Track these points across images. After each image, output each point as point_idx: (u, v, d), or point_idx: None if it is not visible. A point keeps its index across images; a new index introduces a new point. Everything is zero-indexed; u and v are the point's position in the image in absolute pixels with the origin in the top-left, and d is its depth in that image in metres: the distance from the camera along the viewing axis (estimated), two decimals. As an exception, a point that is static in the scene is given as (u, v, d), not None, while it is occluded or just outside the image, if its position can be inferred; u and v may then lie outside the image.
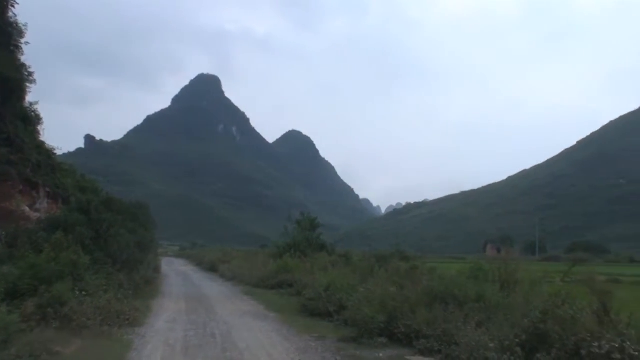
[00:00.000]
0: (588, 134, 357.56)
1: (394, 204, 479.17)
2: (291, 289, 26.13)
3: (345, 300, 16.27)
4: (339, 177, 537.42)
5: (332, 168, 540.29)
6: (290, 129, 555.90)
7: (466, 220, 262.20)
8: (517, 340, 9.45)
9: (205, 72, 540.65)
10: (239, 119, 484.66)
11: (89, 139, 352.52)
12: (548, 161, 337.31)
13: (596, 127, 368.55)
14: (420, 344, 11.74)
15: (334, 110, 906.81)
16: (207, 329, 15.08)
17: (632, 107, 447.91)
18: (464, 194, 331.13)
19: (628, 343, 8.23)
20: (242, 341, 13.14)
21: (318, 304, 18.35)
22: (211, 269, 51.11)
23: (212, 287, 31.80)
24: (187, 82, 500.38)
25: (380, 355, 11.72)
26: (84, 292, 14.36)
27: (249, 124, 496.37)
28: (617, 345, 8.17)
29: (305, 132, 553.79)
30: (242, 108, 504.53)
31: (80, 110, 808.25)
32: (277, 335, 14.16)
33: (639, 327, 9.22)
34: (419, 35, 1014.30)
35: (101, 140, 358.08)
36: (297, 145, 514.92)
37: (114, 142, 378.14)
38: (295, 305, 20.43)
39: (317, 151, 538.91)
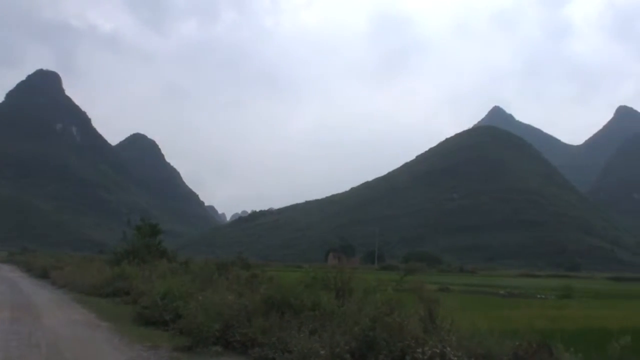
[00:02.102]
0: (426, 149, 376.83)
1: (240, 211, 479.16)
2: (127, 297, 25.35)
3: (182, 308, 15.92)
4: (184, 183, 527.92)
5: (178, 173, 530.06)
6: (135, 132, 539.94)
7: (310, 229, 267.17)
8: (347, 347, 9.68)
9: (44, 67, 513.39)
10: (80, 118, 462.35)
11: None
12: (389, 174, 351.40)
13: (434, 143, 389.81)
14: (255, 352, 11.74)
15: (182, 115, 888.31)
16: (32, 339, 14.19)
17: (467, 125, 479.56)
18: (308, 203, 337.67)
19: (448, 349, 8.69)
20: (69, 351, 12.49)
21: (154, 312, 17.87)
22: (42, 275, 48.49)
23: (42, 295, 30.19)
24: (24, 77, 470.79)
25: (214, 364, 11.60)
26: None
27: (91, 124, 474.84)
28: (438, 351, 8.59)
29: (150, 136, 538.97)
30: (83, 107, 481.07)
31: None
32: (108, 345, 13.60)
33: (460, 333, 9.80)
34: (270, 44, 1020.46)
35: None
36: (142, 149, 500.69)
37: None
38: (130, 314, 19.74)
39: (162, 155, 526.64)
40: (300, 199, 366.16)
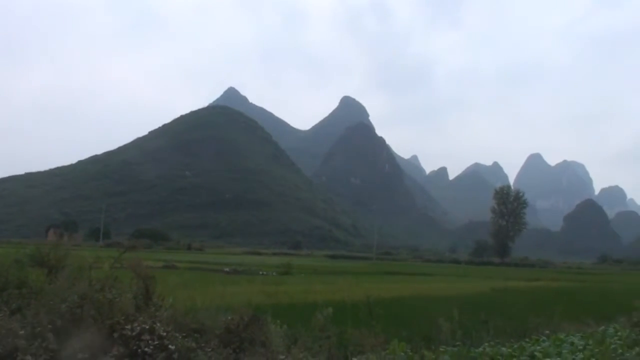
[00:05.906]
0: (160, 125, 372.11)
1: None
2: None
3: None
4: None
5: None
6: None
7: (30, 203, 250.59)
8: (50, 326, 9.23)
9: None
10: None
11: None
12: (120, 148, 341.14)
13: (169, 119, 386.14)
14: (-63, 338, 10.66)
15: None
16: None
17: (203, 104, 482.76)
18: (29, 176, 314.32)
19: (158, 324, 8.71)
20: None
21: None
22: None
23: None
24: None
25: None
26: None
27: None
28: (147, 327, 8.56)
29: None
30: None
31: None
32: None
33: (175, 309, 9.89)
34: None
35: None
36: None
37: None
38: None
39: None
40: (19, 170, 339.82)
